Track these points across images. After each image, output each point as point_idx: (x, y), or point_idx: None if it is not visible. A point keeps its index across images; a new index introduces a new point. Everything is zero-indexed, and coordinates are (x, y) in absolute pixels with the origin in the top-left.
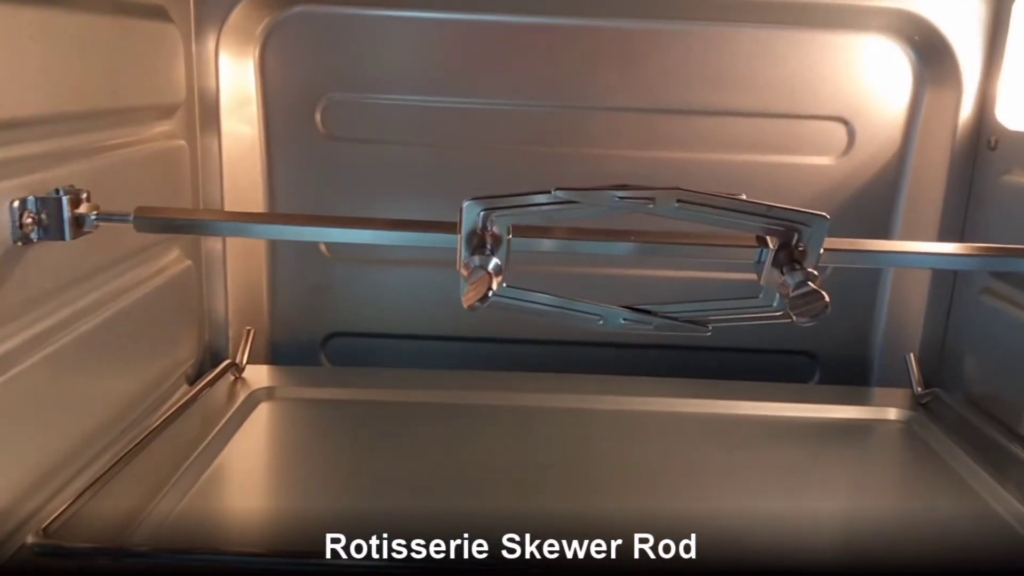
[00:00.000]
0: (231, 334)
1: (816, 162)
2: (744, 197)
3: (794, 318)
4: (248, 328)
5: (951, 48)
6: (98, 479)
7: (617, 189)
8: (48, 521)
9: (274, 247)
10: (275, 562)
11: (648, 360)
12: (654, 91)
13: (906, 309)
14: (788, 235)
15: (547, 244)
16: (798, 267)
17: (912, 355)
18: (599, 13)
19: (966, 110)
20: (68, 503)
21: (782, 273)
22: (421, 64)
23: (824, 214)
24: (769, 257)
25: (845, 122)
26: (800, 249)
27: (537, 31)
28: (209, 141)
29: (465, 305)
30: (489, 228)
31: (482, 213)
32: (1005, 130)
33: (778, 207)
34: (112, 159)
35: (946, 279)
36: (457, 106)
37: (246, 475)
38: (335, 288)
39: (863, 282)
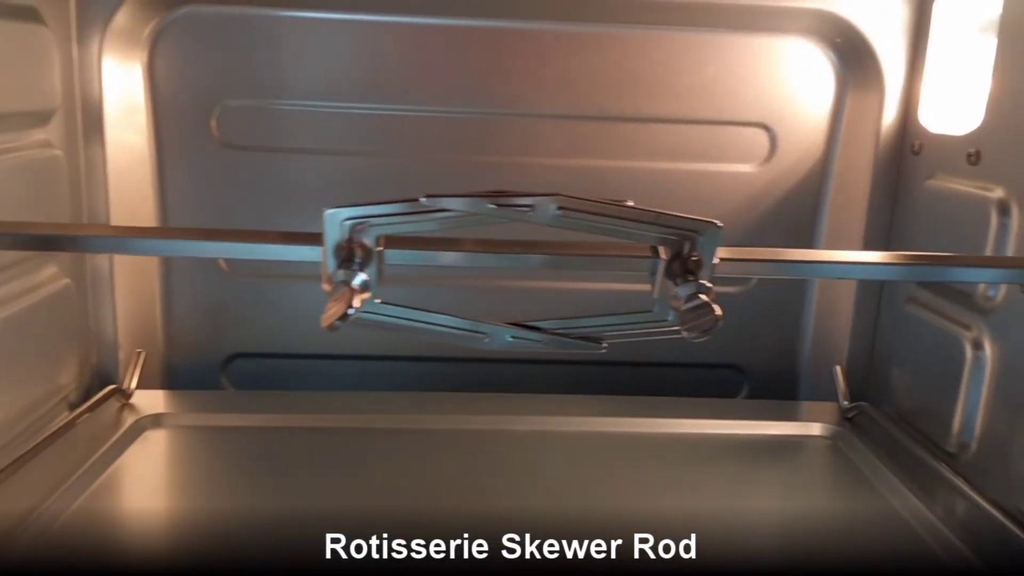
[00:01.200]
0: (121, 357)
1: (739, 169)
2: (631, 204)
3: (684, 333)
4: (139, 350)
5: (873, 50)
6: None
7: (492, 196)
8: None
9: (168, 263)
10: None
11: (571, 376)
12: (573, 97)
13: (833, 321)
14: (680, 244)
15: (424, 256)
16: (691, 279)
17: (839, 368)
18: (514, 15)
19: (889, 114)
20: None
21: (675, 285)
22: (324, 68)
23: (716, 221)
24: (661, 268)
25: (767, 128)
26: (694, 259)
27: (449, 33)
28: (93, 151)
29: (323, 325)
30: (358, 239)
31: (347, 223)
32: (929, 134)
33: (667, 214)
34: None
35: (872, 289)
36: (364, 112)
37: (118, 510)
38: (236, 306)
39: (789, 294)
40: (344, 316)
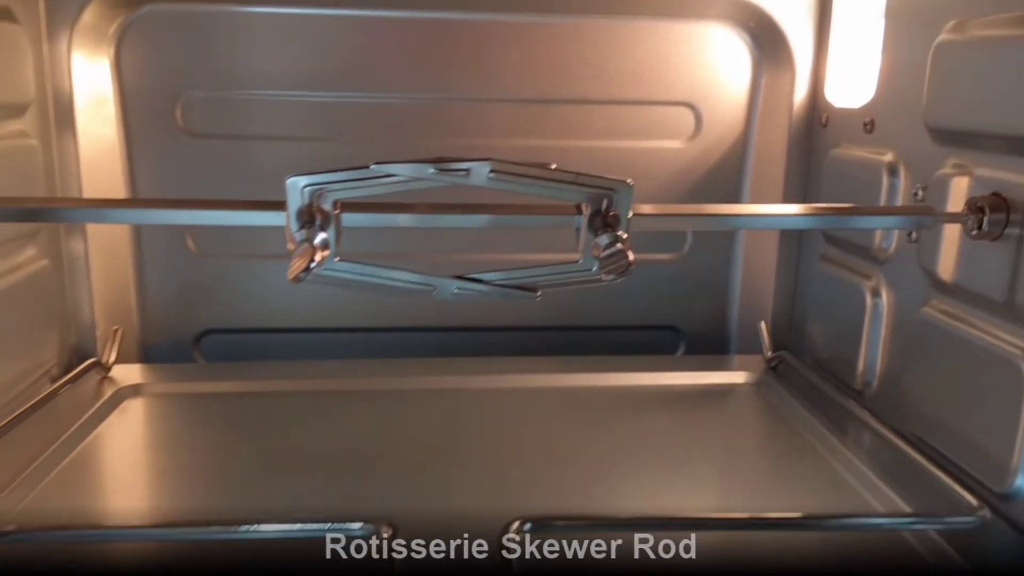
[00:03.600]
0: (99, 335)
1: (668, 146)
2: (554, 167)
3: (603, 277)
4: (115, 328)
5: (783, 34)
6: None
7: (433, 162)
8: None
9: (139, 246)
10: (143, 534)
11: (523, 341)
12: (513, 82)
13: (758, 281)
14: (599, 202)
15: (378, 219)
16: (610, 230)
17: (763, 323)
18: (459, 7)
19: (800, 91)
20: None
21: (596, 237)
22: (281, 59)
23: (628, 180)
24: (584, 223)
25: (692, 107)
26: (612, 214)
27: (398, 25)
28: (66, 142)
29: (289, 277)
30: (318, 205)
31: (308, 190)
32: (833, 108)
33: (584, 175)
34: None
35: (791, 250)
36: (320, 100)
37: (105, 466)
38: (205, 285)
39: (719, 259)
40: (307, 269)
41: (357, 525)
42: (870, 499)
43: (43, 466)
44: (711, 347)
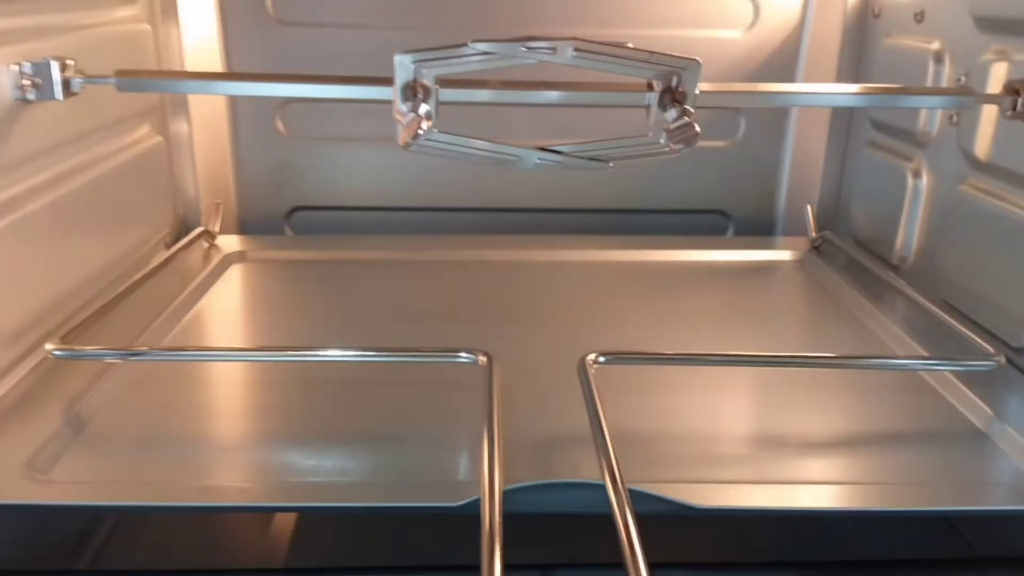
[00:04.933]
0: (202, 208)
1: (727, 35)
2: (631, 46)
3: (672, 147)
4: (217, 202)
5: None
6: (92, 315)
7: (523, 40)
8: (63, 334)
9: (236, 128)
10: (266, 356)
11: (580, 222)
12: None
13: (807, 168)
14: (669, 78)
15: (471, 94)
16: (678, 105)
17: (809, 207)
18: None
19: None
20: (72, 327)
21: (665, 111)
22: None
23: (696, 58)
24: (655, 98)
25: None
26: (681, 91)
27: None
28: (170, 28)
29: (400, 143)
30: (419, 80)
31: (413, 66)
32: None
33: (657, 53)
34: (84, 37)
35: (839, 137)
36: None
37: (225, 319)
38: (294, 165)
39: (769, 146)
40: (416, 136)
41: (463, 354)
42: (898, 351)
43: (171, 317)
44: (758, 231)
